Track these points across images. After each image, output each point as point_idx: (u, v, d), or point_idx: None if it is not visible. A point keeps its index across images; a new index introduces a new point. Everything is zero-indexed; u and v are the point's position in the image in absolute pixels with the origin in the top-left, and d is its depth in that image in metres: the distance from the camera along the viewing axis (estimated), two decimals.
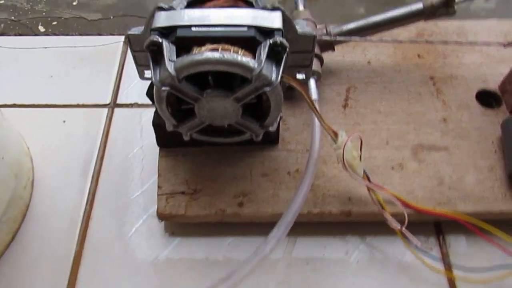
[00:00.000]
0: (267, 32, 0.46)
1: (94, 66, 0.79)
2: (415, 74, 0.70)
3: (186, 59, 0.43)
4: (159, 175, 0.59)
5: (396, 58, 0.72)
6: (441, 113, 0.65)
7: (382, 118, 0.65)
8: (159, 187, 0.58)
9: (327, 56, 0.68)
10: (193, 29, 0.45)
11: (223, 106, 0.47)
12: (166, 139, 0.59)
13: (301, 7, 0.77)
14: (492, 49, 0.73)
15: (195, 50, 0.44)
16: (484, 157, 0.60)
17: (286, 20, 0.48)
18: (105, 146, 0.67)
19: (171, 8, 0.48)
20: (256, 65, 0.43)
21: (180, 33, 0.45)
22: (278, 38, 0.44)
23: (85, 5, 1.12)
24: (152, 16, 0.48)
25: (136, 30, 0.49)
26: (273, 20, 0.46)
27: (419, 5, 0.62)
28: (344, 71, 0.71)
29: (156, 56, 0.44)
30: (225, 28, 0.45)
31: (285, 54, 0.45)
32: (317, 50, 0.65)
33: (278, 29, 0.46)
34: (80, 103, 0.73)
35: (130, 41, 0.50)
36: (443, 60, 0.71)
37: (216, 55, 0.42)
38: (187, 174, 0.59)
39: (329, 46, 0.66)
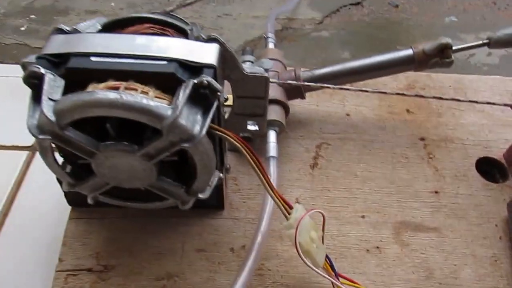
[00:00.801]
0: (194, 69, 0.34)
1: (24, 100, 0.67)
2: (402, 133, 0.58)
3: (70, 99, 0.30)
4: (63, 244, 0.46)
5: (380, 112, 0.60)
6: (432, 183, 0.52)
7: (358, 184, 0.52)
8: (60, 260, 0.44)
9: (297, 104, 0.56)
10: (93, 58, 0.33)
11: (129, 163, 0.34)
12: (77, 196, 0.46)
13: (270, 45, 0.66)
14: (496, 109, 0.62)
15: (90, 87, 0.32)
16: (486, 245, 0.47)
17: (226, 56, 0.37)
18: (14, 195, 0.54)
19: (74, 31, 0.36)
20: (169, 112, 0.31)
21: (73, 63, 0.33)
22: (205, 78, 0.32)
23: (34, 31, 1.02)
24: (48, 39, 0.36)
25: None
26: (205, 54, 0.35)
27: (408, 51, 0.51)
28: (317, 122, 0.59)
29: (37, 92, 0.32)
30: (137, 60, 0.33)
31: (216, 100, 0.33)
32: (282, 96, 0.53)
33: (209, 66, 0.34)
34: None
35: (25, 71, 0.38)
36: (437, 119, 0.60)
37: (111, 96, 0.30)
38: (99, 245, 0.45)
39: (298, 93, 0.54)
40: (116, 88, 0.31)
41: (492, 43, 0.51)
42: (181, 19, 0.43)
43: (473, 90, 0.64)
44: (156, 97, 0.32)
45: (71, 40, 0.34)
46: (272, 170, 0.46)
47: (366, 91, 0.50)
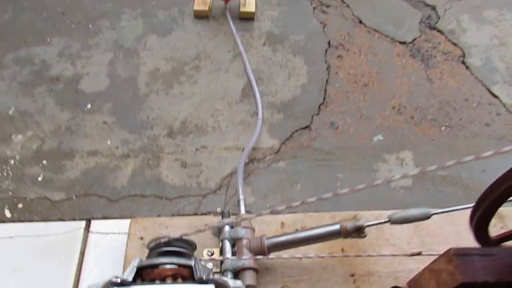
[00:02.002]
0: None
1: (56, 257, 0.89)
2: (338, 271, 0.83)
3: None
4: None
5: (323, 251, 0.85)
6: None
7: None
8: None
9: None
10: None
11: None
12: None
13: (242, 210, 0.91)
14: (403, 242, 0.88)
15: None
16: None
17: None
18: None
19: (122, 284, 0.59)
20: None
21: None
22: None
23: (49, 180, 1.23)
24: None
25: (95, 286, 0.60)
26: None
27: (337, 227, 0.77)
28: (279, 268, 0.83)
29: None
30: None
31: None
32: (254, 263, 0.78)
33: None
34: None
35: None
36: (362, 257, 0.85)
37: None
38: None
39: (263, 253, 0.79)
40: None
41: (392, 221, 0.77)
42: (189, 244, 0.67)
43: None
44: None
45: None
46: None
47: (310, 257, 0.75)
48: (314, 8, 1.89)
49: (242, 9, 1.79)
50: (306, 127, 1.42)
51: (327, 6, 1.90)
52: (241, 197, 0.99)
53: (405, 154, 1.36)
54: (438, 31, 1.84)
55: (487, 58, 1.73)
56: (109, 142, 1.35)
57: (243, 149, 1.31)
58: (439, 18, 1.90)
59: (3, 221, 1.12)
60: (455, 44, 1.78)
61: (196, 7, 1.78)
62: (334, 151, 1.35)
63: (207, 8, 1.78)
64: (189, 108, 1.45)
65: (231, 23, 1.72)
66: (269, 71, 1.59)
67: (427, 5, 1.96)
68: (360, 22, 1.84)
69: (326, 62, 1.65)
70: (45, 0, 1.85)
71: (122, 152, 1.32)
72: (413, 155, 1.35)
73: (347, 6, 1.91)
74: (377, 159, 1.34)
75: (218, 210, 1.17)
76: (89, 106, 1.44)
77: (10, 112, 1.42)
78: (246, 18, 1.80)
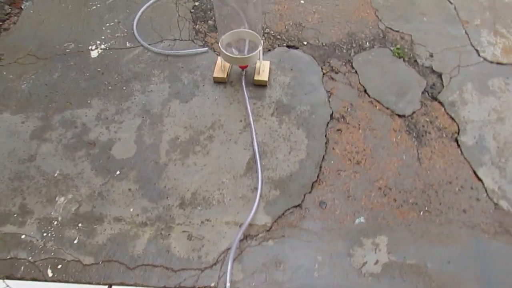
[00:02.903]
0: None
1: None
2: None
3: None
4: None
5: None
6: None
7: None
8: None
9: None
10: None
11: None
12: None
13: None
14: None
15: None
16: None
17: None
18: None
19: None
20: None
21: None
22: None
23: (83, 244, 1.54)
24: None
25: None
26: None
27: None
28: None
29: None
30: None
31: None
32: None
33: None
34: None
35: None
36: None
37: None
38: None
39: None
40: None
41: None
42: None
43: None
44: None
45: None
46: None
47: None
48: (324, 74, 2.04)
49: (256, 77, 1.99)
50: (298, 205, 1.63)
51: (336, 73, 2.05)
52: (227, 285, 1.22)
53: (380, 239, 1.54)
54: (439, 102, 1.95)
55: (480, 135, 1.84)
56: (131, 210, 1.63)
57: (240, 225, 1.55)
58: (443, 87, 2.00)
59: (45, 280, 1.44)
60: (452, 119, 1.90)
61: (215, 75, 2.00)
62: (319, 232, 1.56)
63: (225, 76, 1.99)
64: (200, 180, 1.70)
65: (245, 93, 1.93)
66: (273, 144, 1.80)
67: (434, 71, 2.06)
68: (365, 91, 1.98)
69: (326, 136, 1.83)
70: (88, 59, 2.13)
71: (141, 220, 1.60)
72: (388, 241, 1.54)
73: (355, 72, 2.05)
74: (355, 243, 1.53)
75: (212, 284, 1.42)
76: (118, 172, 1.72)
77: (56, 175, 1.73)
78: (260, 85, 2.00)
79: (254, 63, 1.98)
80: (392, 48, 2.14)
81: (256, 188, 1.66)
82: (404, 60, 2.10)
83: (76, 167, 1.76)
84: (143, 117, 1.90)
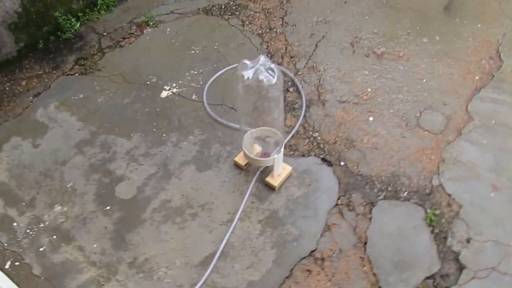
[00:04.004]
0: None
1: None
2: None
3: None
4: None
5: None
6: None
7: None
8: None
9: None
10: None
11: None
12: None
13: None
14: None
15: None
16: None
17: None
18: None
19: None
20: None
21: None
22: None
23: (44, 254, 1.78)
24: None
25: None
26: None
27: None
28: None
29: None
30: None
31: None
32: None
33: None
34: None
35: None
36: None
37: None
38: None
39: None
40: None
41: None
42: None
43: None
44: None
45: None
46: None
47: None
48: (336, 205, 1.91)
49: (268, 178, 1.97)
50: None
51: (350, 210, 1.90)
52: None
53: None
54: None
55: None
56: (95, 245, 1.82)
57: None
58: (456, 283, 1.68)
59: (1, 269, 1.73)
60: None
61: (236, 159, 2.05)
62: None
63: (244, 164, 2.03)
64: (160, 250, 1.80)
65: (249, 190, 1.93)
66: (240, 252, 1.78)
67: (457, 261, 1.74)
68: (365, 244, 1.80)
69: (291, 270, 1.73)
70: (156, 97, 2.40)
71: (94, 258, 1.78)
72: None
73: (370, 219, 1.87)
74: None
75: None
76: (108, 207, 1.94)
77: (68, 185, 2.02)
78: (269, 186, 1.98)
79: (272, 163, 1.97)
80: (428, 211, 1.88)
81: (195, 284, 1.69)
82: (432, 232, 1.82)
83: (85, 186, 2.03)
84: (158, 168, 2.07)
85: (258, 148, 1.98)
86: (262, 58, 1.71)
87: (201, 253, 1.79)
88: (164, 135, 2.22)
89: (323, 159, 2.09)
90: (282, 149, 1.88)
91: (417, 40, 2.55)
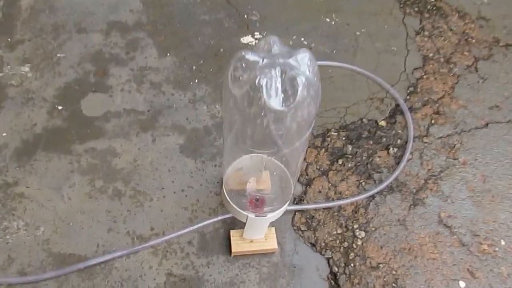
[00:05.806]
0: None
1: None
2: None
3: None
4: None
5: None
6: None
7: None
8: None
9: None
10: None
11: None
12: None
13: None
14: None
15: None
16: None
17: None
18: None
19: None
20: None
21: None
22: None
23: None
24: None
25: None
26: None
27: None
28: None
29: None
30: None
31: None
32: None
33: None
34: None
35: None
36: None
37: None
38: None
39: None
40: None
41: None
42: None
43: None
44: None
45: None
46: None
47: None
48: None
49: (233, 232, 1.19)
50: None
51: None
52: None
53: None
54: None
55: None
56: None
57: None
58: None
59: None
60: None
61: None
62: None
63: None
64: None
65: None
66: None
67: None
68: None
69: None
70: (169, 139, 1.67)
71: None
72: None
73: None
74: None
75: None
76: None
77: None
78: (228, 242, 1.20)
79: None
80: None
81: None
82: None
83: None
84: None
85: (252, 180, 1.18)
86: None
87: None
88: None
89: (332, 273, 1.22)
90: (284, 208, 1.10)
91: None
